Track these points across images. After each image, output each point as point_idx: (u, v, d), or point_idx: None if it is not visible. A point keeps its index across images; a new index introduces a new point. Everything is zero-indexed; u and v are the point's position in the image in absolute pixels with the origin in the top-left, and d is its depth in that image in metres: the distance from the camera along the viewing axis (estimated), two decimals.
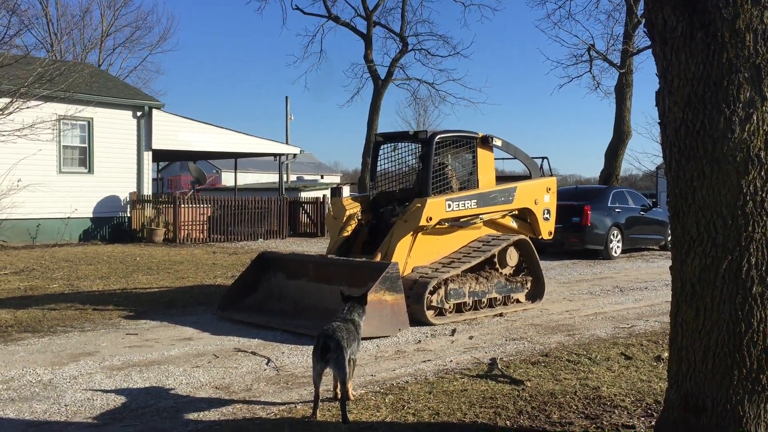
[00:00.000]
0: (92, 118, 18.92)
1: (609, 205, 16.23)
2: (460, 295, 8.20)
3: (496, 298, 8.75)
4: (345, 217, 8.96)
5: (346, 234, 8.91)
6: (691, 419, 3.73)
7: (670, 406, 3.90)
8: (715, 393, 3.65)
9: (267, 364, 6.24)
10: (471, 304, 8.40)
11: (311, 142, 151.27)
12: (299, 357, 6.47)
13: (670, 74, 3.78)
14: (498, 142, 9.44)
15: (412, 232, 8.22)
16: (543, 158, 30.33)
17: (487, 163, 9.35)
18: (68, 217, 18.49)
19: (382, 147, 9.58)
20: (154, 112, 20.62)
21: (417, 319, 7.66)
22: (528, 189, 9.66)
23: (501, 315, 8.63)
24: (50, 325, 7.82)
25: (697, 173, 3.68)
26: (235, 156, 27.03)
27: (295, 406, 4.99)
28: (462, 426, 4.57)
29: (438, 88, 31.92)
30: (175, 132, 21.29)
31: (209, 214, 20.18)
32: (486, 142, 9.25)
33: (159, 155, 24.30)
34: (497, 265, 8.82)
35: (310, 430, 4.48)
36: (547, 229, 9.88)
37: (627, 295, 10.47)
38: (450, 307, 8.17)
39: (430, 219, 8.22)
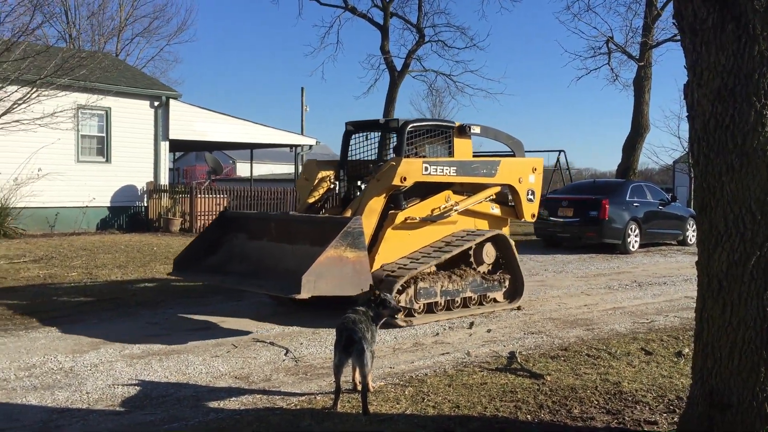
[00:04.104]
0: (110, 108, 19.01)
1: (627, 199, 16.12)
2: (430, 295, 7.64)
3: (470, 297, 8.18)
4: (316, 180, 8.64)
5: (315, 196, 8.61)
6: (716, 416, 3.69)
7: (695, 402, 3.86)
8: (741, 389, 3.61)
9: (285, 354, 6.26)
10: (443, 304, 7.86)
11: (327, 133, 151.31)
12: (318, 348, 6.48)
13: (700, 67, 3.73)
14: (476, 129, 9.08)
15: (384, 194, 7.77)
16: (560, 151, 29.29)
17: (464, 153, 8.90)
18: (86, 206, 18.61)
19: (353, 136, 9.15)
20: (171, 102, 20.68)
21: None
22: (512, 165, 9.15)
23: (472, 320, 7.86)
24: (70, 313, 7.88)
25: (726, 167, 3.63)
26: (251, 147, 27.08)
27: (315, 397, 5.00)
28: (483, 419, 4.55)
29: (455, 79, 31.73)
30: (191, 122, 21.35)
31: (225, 204, 20.24)
32: (463, 131, 8.86)
33: (175, 145, 24.37)
34: (473, 263, 8.30)
35: (330, 420, 4.49)
36: (530, 211, 9.30)
37: (646, 290, 10.39)
38: (420, 308, 7.63)
39: (405, 179, 7.71)
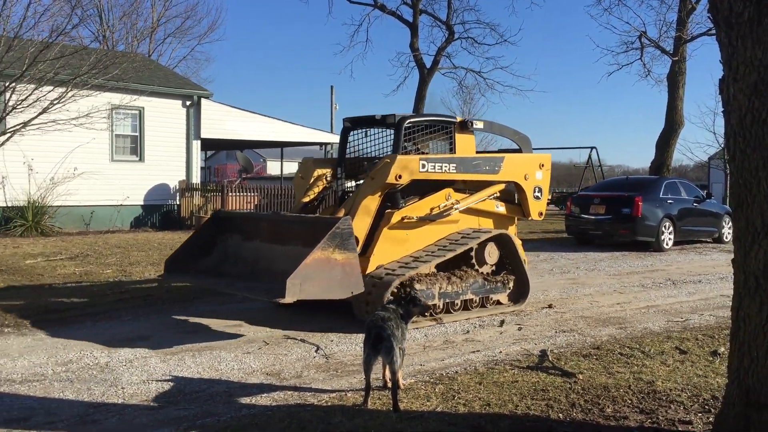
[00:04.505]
0: (143, 108, 19.28)
1: (661, 196, 15.89)
2: (428, 297, 7.22)
3: (471, 299, 7.80)
4: (312, 178, 8.34)
5: (310, 195, 8.29)
6: (753, 415, 3.63)
7: (731, 401, 3.80)
8: None
9: (316, 351, 6.29)
10: (442, 306, 7.52)
11: None
12: (348, 345, 6.51)
13: (735, 61, 3.66)
14: (479, 125, 8.71)
15: (379, 192, 7.43)
16: (591, 148, 29.12)
17: (467, 149, 8.48)
18: (120, 205, 18.91)
19: (351, 133, 8.80)
20: (203, 101, 20.90)
21: None
22: (517, 161, 8.73)
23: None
24: (105, 309, 8.02)
25: (763, 163, 3.56)
26: (281, 145, 27.25)
27: (346, 394, 5.02)
28: (514, 417, 4.53)
29: (485, 76, 31.61)
30: (222, 121, 21.56)
31: (256, 203, 20.41)
32: (465, 126, 8.44)
33: (206, 144, 24.64)
34: (474, 263, 7.95)
35: (361, 417, 4.50)
36: (537, 209, 8.89)
37: (680, 288, 10.24)
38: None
39: (400, 177, 7.37)
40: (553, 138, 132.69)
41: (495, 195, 8.54)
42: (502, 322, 7.61)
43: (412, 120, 8.04)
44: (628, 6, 60.11)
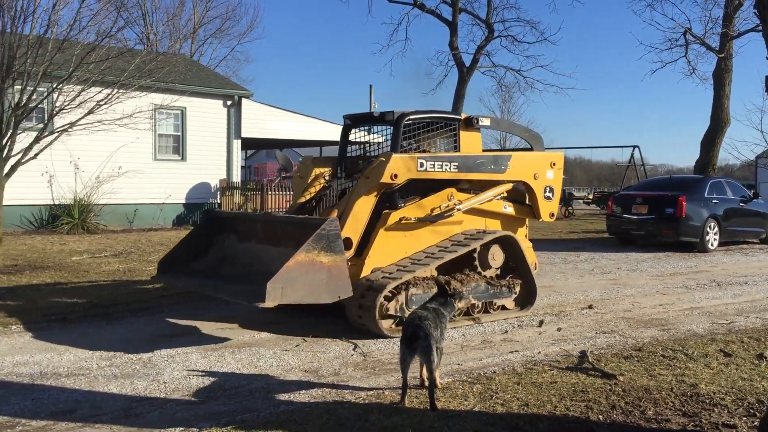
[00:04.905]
0: (185, 107, 19.60)
1: (706, 195, 15.56)
2: (424, 302, 7.05)
3: (474, 304, 7.42)
4: (311, 178, 8.07)
5: (308, 195, 8.02)
6: None
7: None
8: None
9: (354, 349, 6.32)
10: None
11: None
12: (385, 343, 6.52)
13: None
14: (486, 122, 8.26)
15: (375, 192, 7.08)
16: (634, 147, 28.93)
17: (472, 147, 8.06)
18: (163, 203, 19.25)
19: (352, 131, 8.47)
20: (243, 101, 21.16)
21: (371, 331, 6.65)
22: (526, 160, 8.28)
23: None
24: (148, 305, 8.17)
25: None
26: (320, 144, 27.41)
27: (383, 392, 5.03)
28: (552, 418, 4.49)
29: (525, 74, 31.36)
30: (263, 120, 21.80)
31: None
32: (470, 123, 8.00)
33: (247, 143, 24.93)
34: (478, 267, 7.53)
35: (398, 415, 4.51)
36: (548, 210, 8.43)
37: (725, 290, 10.01)
38: None
39: (396, 176, 7.01)
40: (594, 137, 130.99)
41: (502, 195, 8.17)
42: (541, 323, 7.55)
43: (412, 117, 7.66)
44: (672, 2, 58.77)
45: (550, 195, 8.45)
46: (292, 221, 7.13)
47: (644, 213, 15.55)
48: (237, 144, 21.21)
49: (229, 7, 65.22)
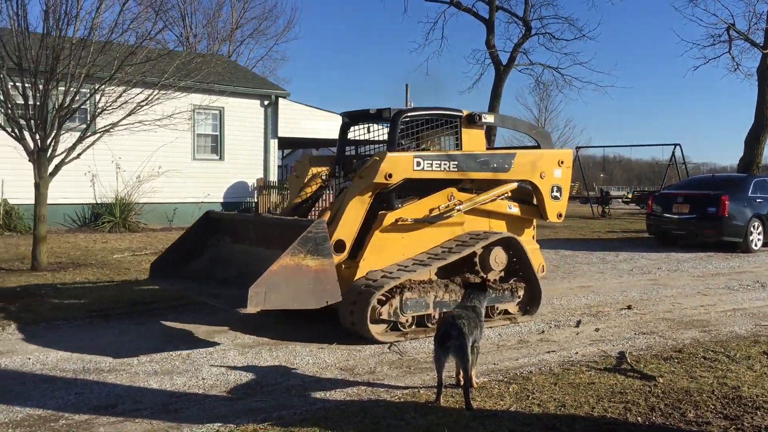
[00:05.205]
0: (223, 108, 19.84)
1: (749, 194, 15.19)
2: (421, 306, 6.63)
3: None
4: (307, 177, 7.84)
5: (303, 195, 7.79)
6: None
7: None
8: None
9: (389, 348, 6.33)
10: (437, 316, 6.78)
11: None
12: (421, 342, 6.52)
13: None
14: (489, 118, 7.87)
15: (369, 192, 6.80)
16: (675, 145, 28.34)
17: (475, 145, 7.70)
18: (201, 202, 19.51)
19: (351, 128, 8.19)
20: (280, 100, 21.33)
21: (362, 336, 6.43)
22: (531, 158, 7.89)
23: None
24: (188, 302, 8.30)
25: None
26: (356, 143, 27.48)
27: (419, 391, 5.04)
28: (590, 419, 4.44)
29: (563, 72, 31.00)
30: (299, 120, 21.95)
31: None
32: (473, 120, 7.64)
33: (283, 142, 25.12)
34: (479, 269, 7.23)
35: (434, 414, 4.51)
36: (556, 210, 8.06)
37: None
38: (408, 321, 6.63)
39: (390, 176, 6.71)
40: (634, 135, 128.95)
41: (506, 195, 7.80)
42: (578, 323, 7.47)
43: (411, 114, 7.39)
44: None
45: (557, 195, 8.09)
46: (280, 223, 6.88)
47: (685, 212, 15.26)
48: (274, 143, 21.40)
49: (266, 7, 65.86)
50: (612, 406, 4.71)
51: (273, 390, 5.09)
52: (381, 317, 6.41)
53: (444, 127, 7.64)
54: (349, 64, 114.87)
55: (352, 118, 8.13)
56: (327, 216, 6.82)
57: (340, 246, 6.60)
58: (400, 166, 6.83)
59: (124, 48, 11.06)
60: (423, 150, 7.41)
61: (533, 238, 8.17)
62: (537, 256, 7.83)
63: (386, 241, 6.88)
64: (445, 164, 7.11)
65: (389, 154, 6.82)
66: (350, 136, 8.21)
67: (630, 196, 35.44)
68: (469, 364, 4.71)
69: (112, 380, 5.28)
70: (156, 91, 11.32)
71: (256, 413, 4.57)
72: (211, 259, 7.44)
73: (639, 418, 4.47)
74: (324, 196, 8.08)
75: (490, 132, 25.08)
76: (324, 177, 7.93)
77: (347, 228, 6.71)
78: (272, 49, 58.64)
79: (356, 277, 6.61)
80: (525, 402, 4.78)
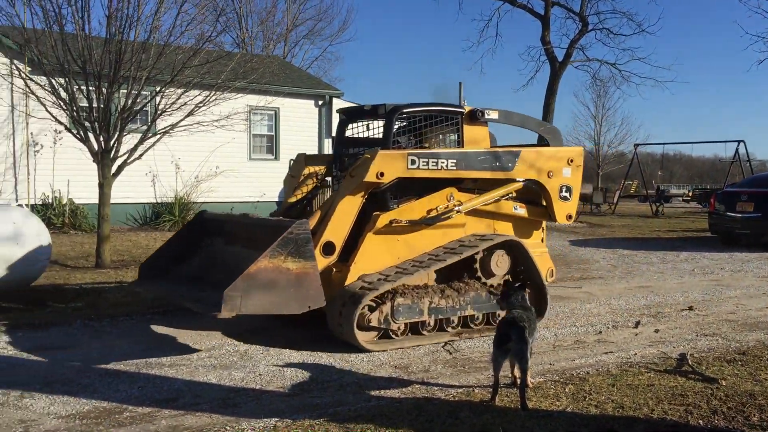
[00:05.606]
0: (278, 108, 20.11)
1: None
2: (414, 313, 6.29)
3: (473, 316, 6.69)
4: (302, 176, 7.61)
5: (298, 195, 7.56)
6: None
7: None
8: None
9: (443, 346, 6.32)
10: (434, 324, 6.49)
11: None
12: (475, 341, 6.49)
13: None
14: (493, 115, 7.48)
15: (361, 192, 6.46)
16: (739, 142, 27.50)
17: (478, 142, 7.32)
18: (257, 201, 19.80)
19: (349, 126, 7.88)
20: (334, 100, 21.50)
21: (350, 344, 6.15)
22: (538, 156, 7.48)
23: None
24: None
25: None
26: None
27: (473, 390, 5.02)
28: (649, 422, 4.35)
29: (621, 68, 30.30)
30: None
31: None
32: (475, 117, 7.28)
33: None
34: (479, 274, 6.86)
35: (489, 414, 4.49)
36: (565, 211, 7.61)
37: None
38: (400, 328, 6.32)
39: (382, 175, 6.35)
40: (696, 131, 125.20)
41: (511, 195, 7.41)
42: (637, 323, 7.32)
43: (406, 111, 7.08)
44: None
45: (567, 195, 7.64)
46: (264, 223, 6.61)
47: (750, 211, 14.77)
48: (328, 143, 21.58)
49: (321, 8, 66.44)
50: (672, 408, 4.60)
51: (328, 387, 5.15)
52: (369, 324, 6.10)
53: (444, 124, 7.27)
54: (402, 64, 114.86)
55: (348, 115, 7.89)
56: (317, 216, 6.58)
57: (329, 248, 6.33)
58: (392, 164, 6.48)
59: (182, 50, 11.32)
60: (423, 148, 7.03)
61: (542, 241, 7.76)
62: (545, 260, 7.50)
63: (380, 244, 6.54)
64: (442, 163, 6.74)
65: (381, 152, 6.47)
66: (348, 133, 7.91)
67: (690, 194, 34.54)
68: (528, 366, 4.68)
69: (172, 374, 5.42)
70: (213, 93, 11.54)
71: (311, 409, 4.63)
72: (205, 261, 7.11)
73: (700, 421, 4.36)
74: (319, 196, 7.86)
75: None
76: (320, 176, 7.71)
77: (337, 229, 6.39)
78: (326, 50, 59.04)
79: (347, 282, 6.27)
80: (582, 403, 4.71)
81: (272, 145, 20.54)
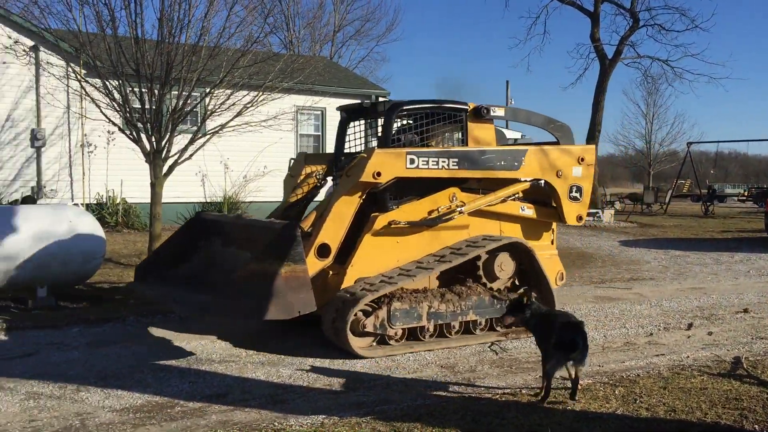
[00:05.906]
0: (325, 108, 20.24)
1: None
2: (412, 318, 6.05)
3: (475, 321, 6.43)
4: (302, 176, 7.42)
5: (297, 195, 7.38)
6: None
7: None
8: None
9: (490, 347, 6.29)
10: (433, 329, 6.26)
11: (531, 127, 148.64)
12: (521, 342, 6.44)
13: None
14: (499, 112, 7.19)
15: (358, 192, 6.22)
16: None
17: (483, 140, 7.02)
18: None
19: (351, 124, 7.69)
20: (380, 100, 21.55)
21: (344, 349, 5.92)
22: (546, 155, 7.13)
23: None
24: None
25: None
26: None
27: (520, 391, 4.98)
28: (702, 426, 4.25)
29: (673, 65, 29.61)
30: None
31: None
32: (480, 114, 6.96)
33: None
34: (482, 277, 6.58)
35: (536, 414, 4.45)
36: (575, 212, 7.28)
37: None
38: (397, 334, 6.12)
39: (379, 174, 6.09)
40: (752, 129, 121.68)
41: (518, 196, 7.13)
42: (689, 326, 7.15)
43: (406, 108, 6.82)
44: None
45: (577, 195, 7.30)
46: (255, 225, 6.48)
47: None
48: (374, 142, 21.64)
49: (368, 9, 66.66)
50: (726, 412, 4.49)
51: (374, 385, 5.17)
52: (365, 329, 5.88)
53: (448, 122, 6.98)
54: (448, 62, 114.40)
55: (349, 113, 7.65)
56: (312, 217, 6.35)
57: (324, 250, 6.16)
58: (389, 163, 6.21)
59: (231, 52, 11.50)
60: (425, 147, 6.79)
61: (552, 242, 7.43)
62: (554, 263, 7.24)
63: (378, 246, 6.30)
64: (443, 162, 6.45)
65: (377, 151, 6.25)
66: (350, 132, 7.73)
67: (746, 193, 33.57)
68: (585, 367, 4.67)
69: (222, 371, 5.51)
70: (261, 93, 11.69)
71: (358, 407, 4.66)
72: (203, 262, 6.92)
73: (756, 426, 4.25)
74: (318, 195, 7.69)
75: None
76: (319, 176, 7.57)
77: (333, 231, 6.20)
78: (373, 50, 59.21)
79: (344, 285, 6.08)
80: (632, 405, 4.63)
81: (319, 145, 20.67)
